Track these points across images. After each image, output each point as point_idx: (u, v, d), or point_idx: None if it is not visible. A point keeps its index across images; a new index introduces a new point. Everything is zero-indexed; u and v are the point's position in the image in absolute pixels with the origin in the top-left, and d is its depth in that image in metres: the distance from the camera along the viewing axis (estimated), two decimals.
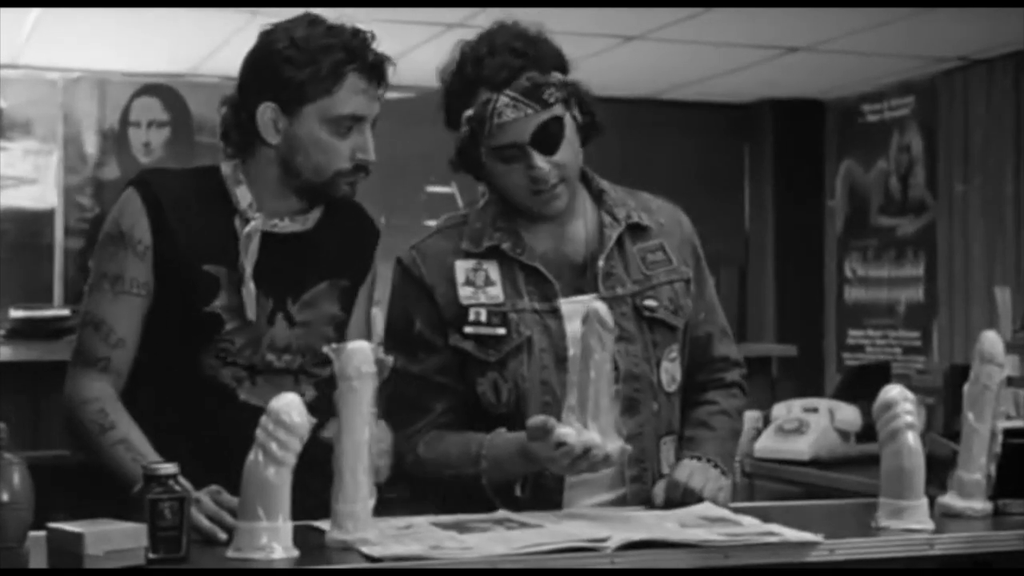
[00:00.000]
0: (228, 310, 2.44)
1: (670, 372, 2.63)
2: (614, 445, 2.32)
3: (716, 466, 2.54)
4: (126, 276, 2.43)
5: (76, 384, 2.42)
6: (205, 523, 2.10)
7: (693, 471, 2.49)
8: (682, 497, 2.45)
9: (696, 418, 2.67)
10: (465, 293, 2.56)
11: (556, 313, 2.56)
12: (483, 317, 2.56)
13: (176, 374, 2.45)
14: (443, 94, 2.58)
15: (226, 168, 2.50)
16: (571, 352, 2.54)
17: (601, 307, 2.35)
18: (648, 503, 2.50)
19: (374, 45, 2.48)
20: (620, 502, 2.56)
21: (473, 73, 2.52)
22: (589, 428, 2.31)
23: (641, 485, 2.55)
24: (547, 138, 2.51)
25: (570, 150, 2.54)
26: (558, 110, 2.51)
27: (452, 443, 2.50)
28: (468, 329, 2.55)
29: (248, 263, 2.43)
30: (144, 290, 2.43)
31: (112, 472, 2.30)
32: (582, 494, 2.54)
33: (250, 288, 2.43)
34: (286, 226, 2.49)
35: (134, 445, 2.32)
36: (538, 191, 2.53)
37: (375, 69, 2.47)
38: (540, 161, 2.51)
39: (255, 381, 2.46)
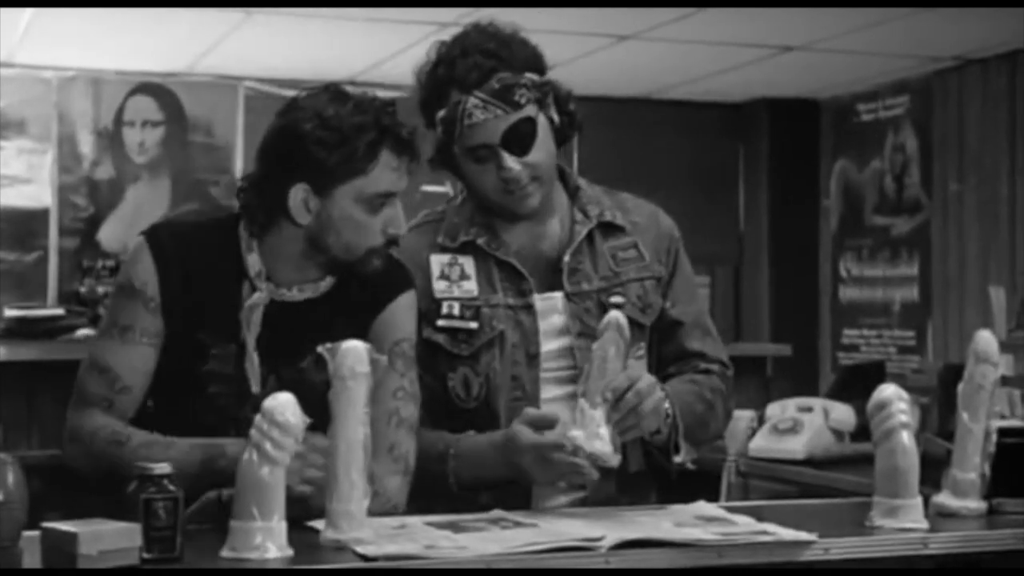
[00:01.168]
0: (216, 375, 2.41)
1: (635, 369, 2.63)
2: (616, 456, 2.32)
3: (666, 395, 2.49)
4: (136, 327, 2.40)
5: (79, 422, 2.37)
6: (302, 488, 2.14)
7: (647, 378, 2.43)
8: (622, 392, 2.37)
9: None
10: (439, 287, 2.58)
11: (530, 309, 2.59)
12: (456, 311, 2.57)
13: (171, 407, 2.44)
14: (419, 95, 2.59)
15: (244, 230, 2.45)
16: (543, 348, 2.56)
17: (622, 317, 2.36)
18: (609, 502, 2.51)
19: (398, 115, 2.41)
20: (583, 500, 2.56)
21: (445, 75, 2.53)
22: (600, 434, 2.31)
23: (603, 482, 2.52)
24: (518, 139, 2.52)
25: (543, 150, 2.55)
26: (530, 111, 2.52)
27: (421, 438, 2.47)
28: (441, 322, 2.57)
29: (250, 337, 2.39)
30: (156, 339, 2.40)
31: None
32: (549, 493, 2.55)
33: (253, 362, 2.40)
34: (294, 295, 2.44)
35: (157, 441, 2.30)
36: (510, 191, 2.55)
37: (407, 145, 2.40)
38: (511, 162, 2.52)
39: (239, 430, 2.42)
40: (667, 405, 2.49)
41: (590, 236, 2.65)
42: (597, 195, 2.71)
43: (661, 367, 2.68)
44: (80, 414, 2.38)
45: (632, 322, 2.60)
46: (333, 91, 2.41)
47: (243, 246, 2.44)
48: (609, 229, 2.67)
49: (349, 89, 2.43)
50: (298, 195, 2.36)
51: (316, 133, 2.34)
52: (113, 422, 2.36)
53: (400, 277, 2.50)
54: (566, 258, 2.61)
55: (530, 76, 2.53)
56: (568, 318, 2.59)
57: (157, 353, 2.40)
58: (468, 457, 2.48)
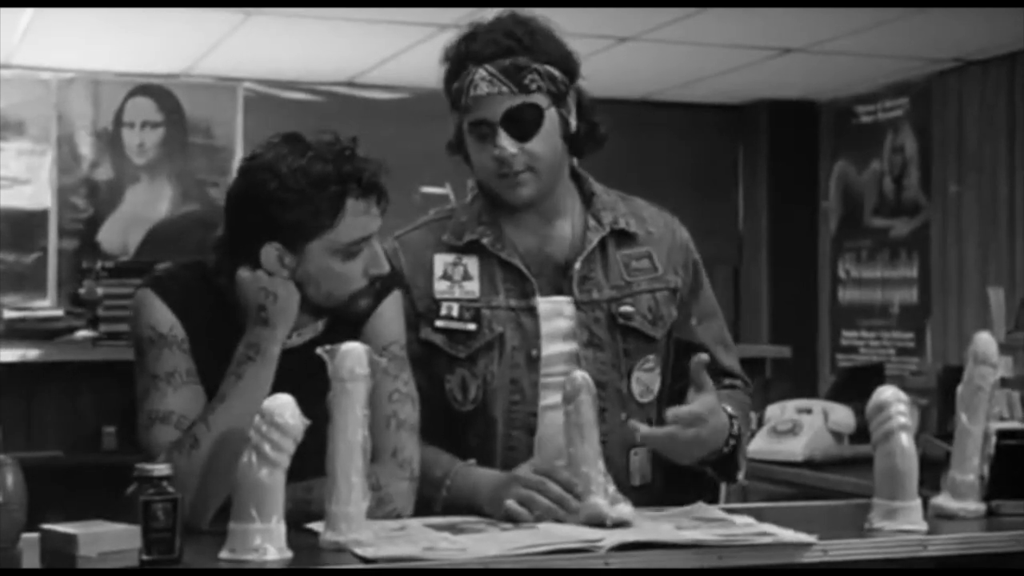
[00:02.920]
0: None
1: (644, 382, 2.60)
2: (619, 509, 2.25)
3: (728, 410, 2.49)
4: (179, 369, 2.34)
5: (153, 451, 2.28)
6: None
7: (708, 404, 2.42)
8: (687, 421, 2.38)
9: None
10: (441, 287, 2.56)
11: (532, 311, 2.55)
12: (455, 311, 2.55)
13: None
14: (443, 72, 2.56)
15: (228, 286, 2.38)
16: (545, 352, 2.54)
17: (588, 377, 2.30)
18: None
19: (359, 152, 2.34)
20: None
21: (464, 49, 2.51)
22: (618, 496, 2.27)
23: None
24: (520, 123, 2.48)
25: (547, 144, 2.51)
26: (539, 99, 2.49)
27: (421, 453, 2.41)
28: (439, 323, 2.54)
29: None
30: (197, 379, 2.35)
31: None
32: None
33: None
34: (294, 341, 2.38)
35: (215, 407, 2.28)
36: (503, 174, 2.51)
37: (373, 187, 2.34)
38: (506, 142, 2.48)
39: None
40: (733, 425, 2.48)
41: (603, 244, 2.61)
42: (612, 201, 2.67)
43: (685, 375, 2.66)
44: (153, 456, 2.25)
45: (640, 334, 2.59)
46: (291, 142, 2.34)
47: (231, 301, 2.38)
48: (623, 237, 2.63)
49: (309, 135, 2.36)
50: (271, 254, 2.32)
51: (277, 195, 2.29)
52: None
53: (382, 284, 2.46)
54: (577, 265, 2.57)
55: (548, 68, 2.50)
56: (577, 326, 2.56)
57: (204, 392, 2.34)
58: (463, 490, 2.41)
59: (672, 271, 2.66)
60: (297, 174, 2.29)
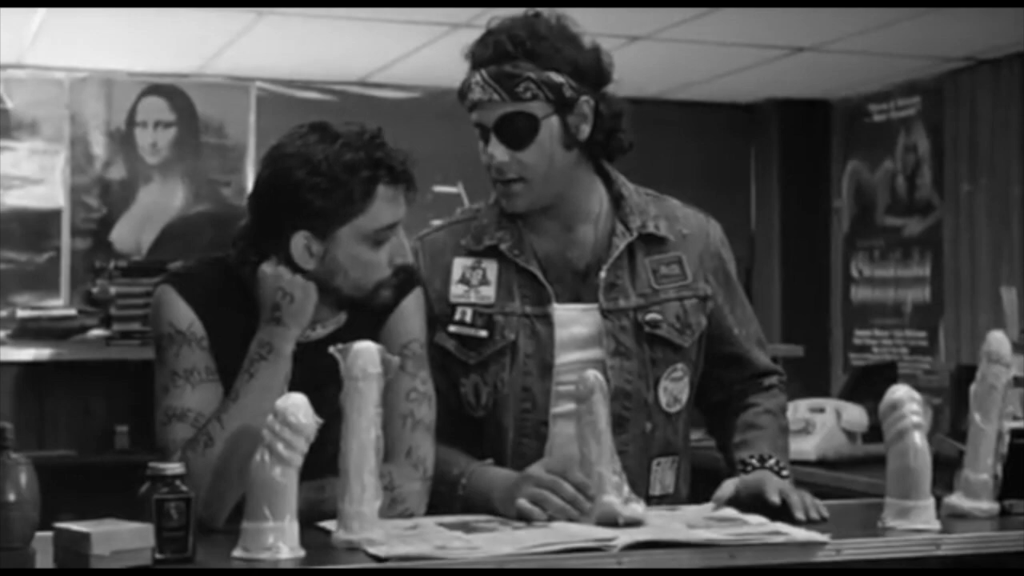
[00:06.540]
0: None
1: (671, 392, 2.57)
2: (631, 508, 2.25)
3: (776, 462, 2.51)
4: (199, 367, 2.34)
5: (169, 449, 2.28)
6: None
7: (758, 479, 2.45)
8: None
9: (743, 422, 2.62)
10: (457, 291, 2.54)
11: (548, 319, 2.52)
12: (468, 317, 2.53)
13: None
14: None
15: (249, 278, 2.38)
16: (559, 360, 2.51)
17: (601, 377, 2.28)
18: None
19: (386, 139, 2.36)
20: None
21: (469, 50, 2.50)
22: (632, 496, 2.26)
23: None
24: (512, 131, 2.46)
25: (542, 154, 2.47)
26: (534, 108, 2.45)
27: (437, 453, 2.41)
28: (452, 328, 2.52)
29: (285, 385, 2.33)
30: (217, 376, 2.35)
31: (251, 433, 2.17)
32: None
33: None
34: (318, 333, 2.39)
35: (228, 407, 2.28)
36: (496, 180, 2.51)
37: (402, 175, 2.35)
38: (497, 149, 2.46)
39: None
40: (784, 481, 2.48)
41: (630, 249, 2.56)
42: (643, 203, 2.62)
43: (730, 384, 2.67)
44: (168, 457, 2.23)
45: (667, 343, 2.56)
46: (320, 130, 2.35)
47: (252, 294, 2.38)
48: (652, 241, 2.59)
49: (335, 125, 2.37)
50: (299, 243, 2.32)
51: (309, 180, 2.29)
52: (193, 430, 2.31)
53: (404, 279, 2.46)
54: (602, 273, 2.53)
55: (549, 75, 2.45)
56: (603, 334, 2.53)
57: (222, 390, 2.35)
58: (479, 489, 2.40)
59: (703, 278, 2.62)
60: (328, 161, 2.30)
